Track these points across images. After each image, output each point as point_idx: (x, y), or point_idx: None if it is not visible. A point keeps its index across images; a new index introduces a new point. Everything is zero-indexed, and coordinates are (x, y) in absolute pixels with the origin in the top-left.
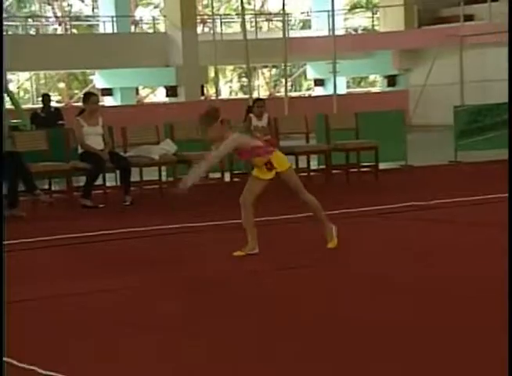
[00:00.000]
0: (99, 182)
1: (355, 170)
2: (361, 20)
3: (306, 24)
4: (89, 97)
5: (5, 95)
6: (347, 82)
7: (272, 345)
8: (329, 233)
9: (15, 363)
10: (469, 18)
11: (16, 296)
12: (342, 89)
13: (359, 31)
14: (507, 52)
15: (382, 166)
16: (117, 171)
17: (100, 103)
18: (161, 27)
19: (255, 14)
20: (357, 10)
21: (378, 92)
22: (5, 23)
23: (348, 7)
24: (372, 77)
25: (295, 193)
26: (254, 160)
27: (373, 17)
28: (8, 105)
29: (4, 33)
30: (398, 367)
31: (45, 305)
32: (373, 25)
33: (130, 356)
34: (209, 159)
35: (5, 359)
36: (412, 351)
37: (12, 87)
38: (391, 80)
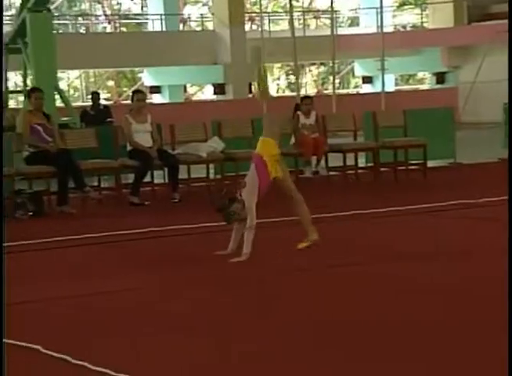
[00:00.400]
0: (147, 179)
1: (403, 168)
2: (410, 17)
3: (354, 21)
4: (137, 94)
5: (56, 93)
6: (396, 80)
7: (299, 345)
8: (310, 236)
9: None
10: None
11: (55, 292)
12: (390, 87)
13: (408, 28)
14: None
15: (430, 164)
16: (165, 169)
17: (148, 101)
18: (209, 25)
19: (303, 11)
20: (406, 7)
21: (427, 90)
22: (55, 21)
23: (397, 4)
24: (420, 75)
25: (288, 196)
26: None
27: (421, 14)
28: (58, 103)
29: (54, 31)
30: (423, 367)
31: (82, 302)
32: (421, 22)
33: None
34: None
35: (37, 346)
36: (442, 351)
37: (62, 85)
38: (440, 77)
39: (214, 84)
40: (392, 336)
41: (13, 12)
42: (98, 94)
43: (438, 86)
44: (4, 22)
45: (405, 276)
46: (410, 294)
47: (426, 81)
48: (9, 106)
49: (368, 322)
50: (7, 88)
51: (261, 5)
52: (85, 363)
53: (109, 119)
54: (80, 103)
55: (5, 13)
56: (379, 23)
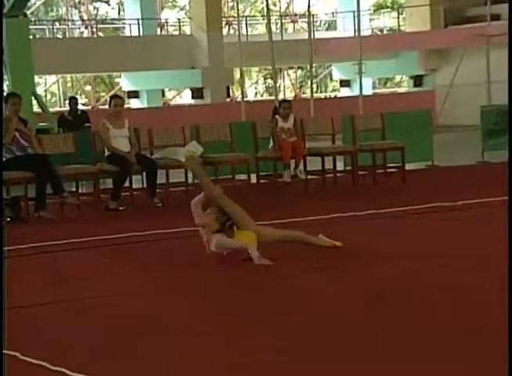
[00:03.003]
0: (125, 184)
1: (382, 171)
2: (387, 21)
3: (331, 25)
4: (114, 99)
5: (33, 98)
6: (373, 83)
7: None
8: (327, 242)
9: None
10: (496, 17)
11: (39, 299)
12: (368, 90)
13: (385, 32)
14: None
15: (409, 166)
16: (144, 173)
17: (126, 106)
18: (187, 30)
19: (280, 15)
20: (382, 10)
21: (404, 93)
22: (32, 26)
23: (374, 7)
24: (398, 78)
25: (280, 240)
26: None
27: (398, 17)
28: (35, 108)
29: (31, 36)
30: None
31: (68, 307)
32: (398, 25)
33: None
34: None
35: (15, 353)
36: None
37: (39, 90)
38: (418, 80)
39: (192, 89)
40: (378, 337)
41: None
42: (75, 99)
43: (416, 89)
44: None
45: (384, 277)
46: (396, 296)
47: (403, 84)
48: None
49: (354, 322)
50: None
51: (238, 9)
52: (64, 369)
53: (86, 124)
54: (57, 109)
55: None
56: (356, 27)
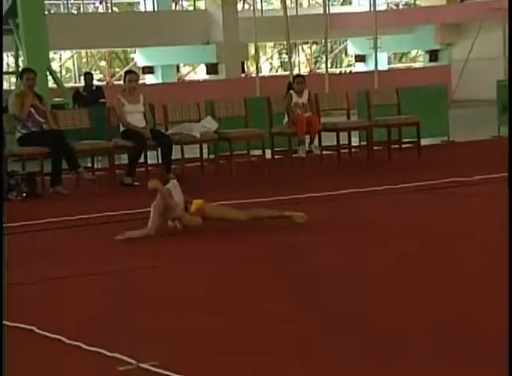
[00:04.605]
0: (140, 159)
1: (397, 146)
2: None
3: (347, 0)
4: (129, 75)
5: (48, 74)
6: (389, 58)
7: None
8: (294, 216)
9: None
10: None
11: (54, 274)
12: (383, 65)
13: (401, 6)
14: None
15: (424, 142)
16: (159, 149)
17: (141, 81)
18: (201, 5)
19: None
20: None
21: (420, 68)
22: (47, 1)
23: None
24: (413, 53)
25: (233, 220)
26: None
27: None
28: (50, 84)
29: (46, 12)
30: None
31: (85, 282)
32: None
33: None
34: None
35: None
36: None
37: (54, 66)
38: (433, 55)
39: (206, 64)
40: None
41: None
42: (91, 75)
43: (431, 64)
44: None
45: (403, 252)
46: (413, 270)
47: (419, 59)
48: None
49: (378, 297)
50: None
51: None
52: (79, 343)
53: (101, 100)
54: (72, 84)
55: None
56: (371, 2)
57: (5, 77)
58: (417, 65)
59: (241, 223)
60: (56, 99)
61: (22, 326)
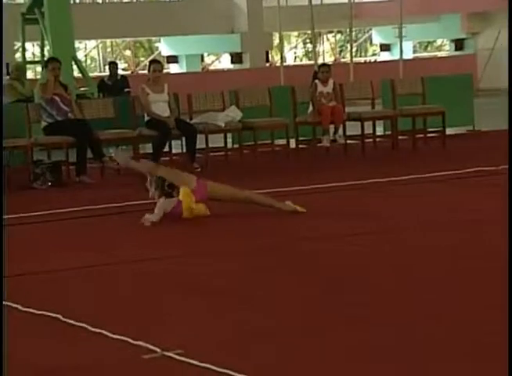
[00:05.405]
0: (165, 149)
1: (422, 136)
2: None
3: None
4: (153, 64)
5: (73, 63)
6: (414, 47)
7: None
8: (291, 207)
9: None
10: None
11: (79, 262)
12: (408, 54)
13: None
14: None
15: (449, 131)
16: (183, 138)
17: (165, 71)
18: None
19: None
20: None
21: (445, 57)
22: None
23: None
24: (439, 41)
25: (233, 200)
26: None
27: None
28: (75, 73)
29: (71, 1)
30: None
31: (108, 270)
32: None
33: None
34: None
35: (57, 315)
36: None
37: (79, 55)
38: (459, 43)
39: (231, 53)
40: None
41: None
42: (115, 64)
43: (457, 53)
44: None
45: (427, 245)
46: (436, 261)
47: (444, 47)
48: (27, 77)
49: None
50: (25, 58)
51: None
52: (104, 331)
53: (126, 89)
54: (97, 74)
55: None
56: None
57: (31, 66)
58: (443, 54)
59: (239, 202)
60: (81, 89)
61: (48, 314)
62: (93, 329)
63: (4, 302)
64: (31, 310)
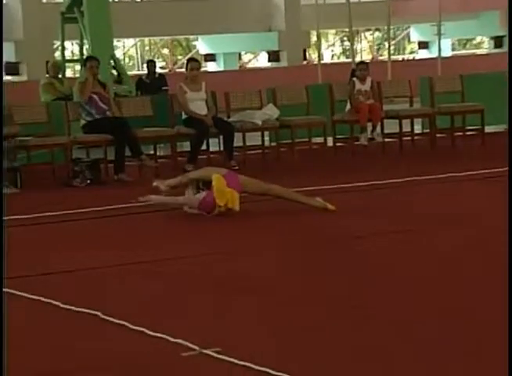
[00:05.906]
0: (202, 147)
1: (461, 134)
2: None
3: None
4: (191, 63)
5: (111, 61)
6: (453, 44)
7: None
8: (320, 204)
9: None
10: None
11: (119, 260)
12: (447, 52)
13: None
14: None
15: (488, 129)
16: (221, 137)
17: (203, 69)
18: None
19: None
20: None
21: (484, 54)
22: None
23: None
24: (478, 39)
25: (264, 194)
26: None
27: None
28: (114, 72)
29: (110, 0)
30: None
31: (147, 268)
32: None
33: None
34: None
35: (96, 312)
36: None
37: (117, 54)
38: (498, 41)
39: (268, 52)
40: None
41: None
42: (153, 62)
43: (496, 50)
44: None
45: (461, 245)
46: (481, 257)
47: (483, 45)
48: (66, 76)
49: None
50: (64, 57)
51: None
52: (144, 329)
53: (164, 87)
54: (135, 72)
55: None
56: None
57: (70, 65)
58: (481, 51)
59: (269, 196)
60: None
61: (87, 311)
62: (133, 327)
63: (44, 299)
64: (71, 307)
